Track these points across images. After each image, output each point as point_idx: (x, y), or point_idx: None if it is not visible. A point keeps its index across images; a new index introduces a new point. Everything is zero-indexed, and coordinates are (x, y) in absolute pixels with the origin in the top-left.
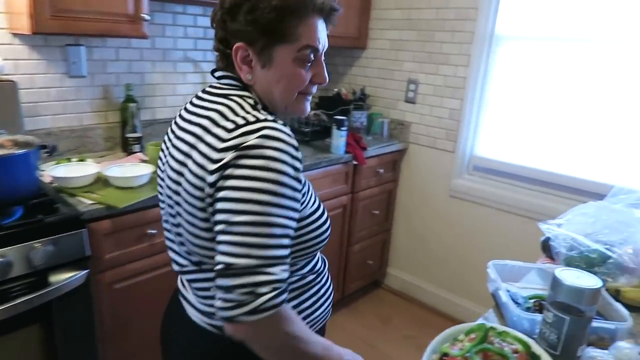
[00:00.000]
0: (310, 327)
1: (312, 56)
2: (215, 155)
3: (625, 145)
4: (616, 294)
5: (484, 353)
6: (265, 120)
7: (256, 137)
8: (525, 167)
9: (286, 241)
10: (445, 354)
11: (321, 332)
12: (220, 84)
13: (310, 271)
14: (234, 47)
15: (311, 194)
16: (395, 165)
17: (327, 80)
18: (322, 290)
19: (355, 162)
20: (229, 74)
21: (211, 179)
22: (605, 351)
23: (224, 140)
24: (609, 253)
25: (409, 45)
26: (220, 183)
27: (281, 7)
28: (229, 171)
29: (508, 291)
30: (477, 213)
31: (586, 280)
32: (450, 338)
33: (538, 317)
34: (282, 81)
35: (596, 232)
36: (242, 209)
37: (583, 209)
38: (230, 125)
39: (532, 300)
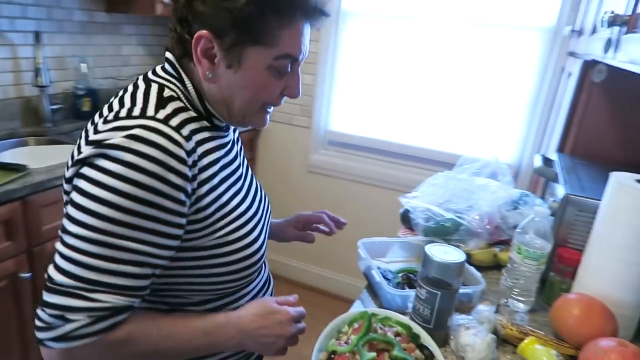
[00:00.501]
0: None
1: (289, 67)
2: (82, 146)
3: (469, 118)
4: (468, 257)
5: (370, 343)
6: (150, 118)
7: (122, 136)
8: (379, 140)
9: (137, 270)
10: (334, 352)
11: None
12: (160, 68)
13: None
14: (196, 34)
15: (221, 216)
16: (252, 144)
17: (300, 94)
18: None
19: None
20: (172, 60)
21: (68, 173)
22: (470, 316)
23: (95, 132)
24: (460, 221)
25: None
26: (75, 181)
27: (266, 2)
28: (83, 170)
29: (379, 268)
30: (337, 187)
31: (453, 254)
32: (335, 332)
33: (410, 293)
34: (248, 88)
35: (447, 202)
36: (79, 218)
37: (434, 179)
38: (110, 116)
39: (400, 275)
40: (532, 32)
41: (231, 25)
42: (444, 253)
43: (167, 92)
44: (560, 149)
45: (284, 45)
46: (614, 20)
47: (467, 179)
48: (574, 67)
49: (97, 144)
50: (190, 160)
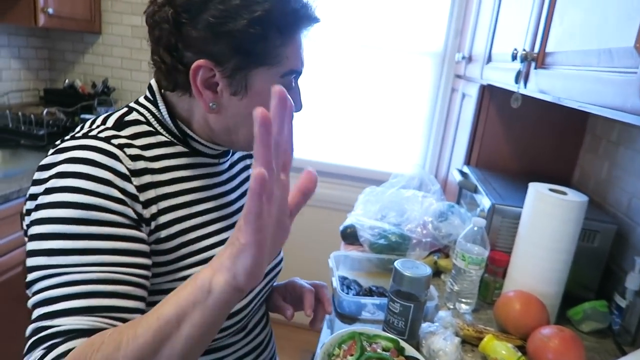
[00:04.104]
0: None
1: (294, 82)
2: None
3: (377, 134)
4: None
5: None
6: (91, 137)
7: (60, 160)
8: (311, 161)
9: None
10: None
11: None
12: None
13: None
14: (193, 65)
15: (184, 255)
16: None
17: (302, 107)
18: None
19: None
20: (151, 85)
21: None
22: (435, 324)
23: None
24: (408, 234)
25: None
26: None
27: (267, 20)
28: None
29: (346, 279)
30: None
31: (420, 269)
32: (326, 356)
33: (364, 301)
34: None
35: (383, 217)
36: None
37: (366, 196)
38: (68, 135)
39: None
40: (424, 57)
41: (232, 50)
42: (414, 268)
43: (131, 116)
44: (467, 162)
45: (288, 61)
46: (526, 57)
47: (396, 192)
48: (470, 90)
49: (41, 168)
50: (135, 180)
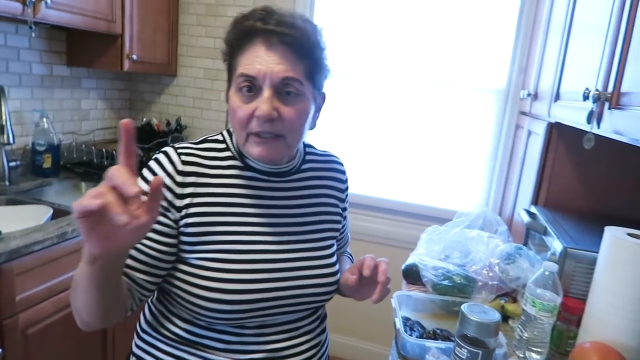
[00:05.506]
0: None
1: (247, 87)
2: None
3: (437, 171)
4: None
5: None
6: (171, 146)
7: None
8: (373, 197)
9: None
10: None
11: None
12: None
13: (176, 336)
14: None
15: (204, 242)
16: None
17: (266, 112)
18: None
19: None
20: None
21: None
22: None
23: None
24: (473, 276)
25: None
26: None
27: (227, 39)
28: None
29: (409, 320)
30: None
31: (489, 314)
32: None
33: (429, 344)
34: (231, 116)
35: (447, 257)
36: None
37: (429, 235)
38: None
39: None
40: (487, 93)
41: (225, 62)
42: (480, 312)
43: (216, 136)
44: (535, 202)
45: (241, 66)
46: (598, 97)
47: (460, 232)
48: (537, 127)
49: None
50: (178, 178)
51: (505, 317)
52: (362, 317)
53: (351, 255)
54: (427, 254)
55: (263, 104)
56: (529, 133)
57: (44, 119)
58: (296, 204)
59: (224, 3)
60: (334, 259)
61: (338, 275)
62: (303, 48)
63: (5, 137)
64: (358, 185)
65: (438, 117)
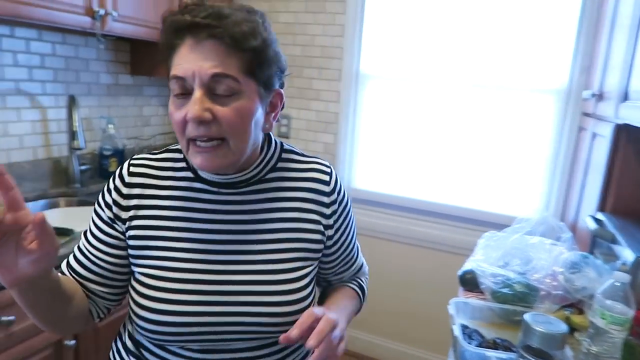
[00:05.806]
0: None
1: (180, 89)
2: None
3: (490, 174)
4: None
5: None
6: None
7: None
8: (404, 197)
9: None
10: None
11: None
12: None
13: (126, 347)
14: None
15: (143, 257)
16: None
17: (195, 114)
18: None
19: None
20: None
21: None
22: None
23: None
24: (535, 284)
25: None
26: None
27: (160, 40)
28: None
29: (467, 328)
30: (366, 246)
31: (554, 325)
32: None
33: (489, 354)
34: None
35: (506, 264)
36: None
37: (486, 241)
38: None
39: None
40: (547, 94)
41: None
42: (545, 322)
43: (177, 145)
44: (601, 208)
45: (173, 69)
46: None
47: (520, 238)
48: (602, 129)
49: None
50: (124, 190)
51: (571, 329)
52: (418, 321)
53: (361, 285)
54: (485, 260)
55: (192, 105)
56: (594, 135)
57: (110, 126)
58: (251, 219)
59: (275, 9)
60: (300, 284)
61: (302, 304)
62: (236, 40)
63: (78, 142)
64: (412, 190)
65: (495, 119)
